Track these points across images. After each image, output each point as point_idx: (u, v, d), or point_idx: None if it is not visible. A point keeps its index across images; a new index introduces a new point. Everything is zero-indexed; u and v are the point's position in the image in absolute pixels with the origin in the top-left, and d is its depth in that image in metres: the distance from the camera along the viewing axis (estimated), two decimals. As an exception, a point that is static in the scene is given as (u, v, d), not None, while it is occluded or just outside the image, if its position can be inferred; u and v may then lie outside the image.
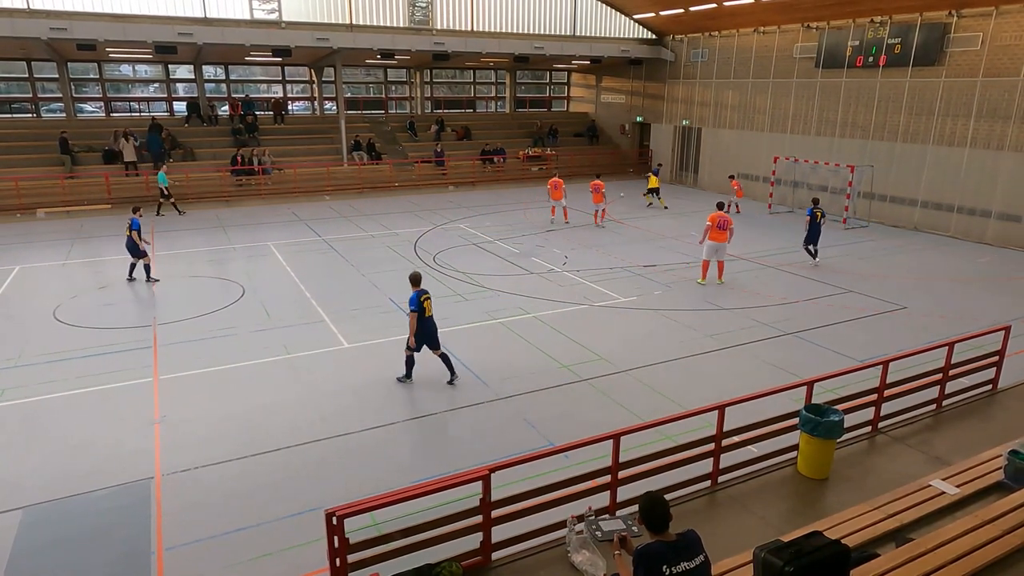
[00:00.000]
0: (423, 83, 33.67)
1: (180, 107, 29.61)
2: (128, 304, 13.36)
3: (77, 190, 23.07)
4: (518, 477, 5.96)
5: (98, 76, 28.37)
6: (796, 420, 6.45)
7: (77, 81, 28.31)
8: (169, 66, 29.34)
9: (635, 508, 4.61)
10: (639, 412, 8.66)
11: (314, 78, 31.58)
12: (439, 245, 18.12)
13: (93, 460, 7.63)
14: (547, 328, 11.88)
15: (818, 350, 10.97)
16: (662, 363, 10.42)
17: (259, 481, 7.26)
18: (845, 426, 6.53)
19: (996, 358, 8.36)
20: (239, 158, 25.64)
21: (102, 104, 28.91)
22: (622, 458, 5.74)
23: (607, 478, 5.73)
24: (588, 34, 29.82)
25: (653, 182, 24.39)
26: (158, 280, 14.63)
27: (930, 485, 5.99)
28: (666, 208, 23.80)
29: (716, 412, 6.25)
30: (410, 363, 9.60)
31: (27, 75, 27.07)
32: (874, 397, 7.32)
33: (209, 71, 30.13)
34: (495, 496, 5.20)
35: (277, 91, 32.04)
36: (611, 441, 5.66)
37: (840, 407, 6.63)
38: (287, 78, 32.00)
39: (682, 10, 26.14)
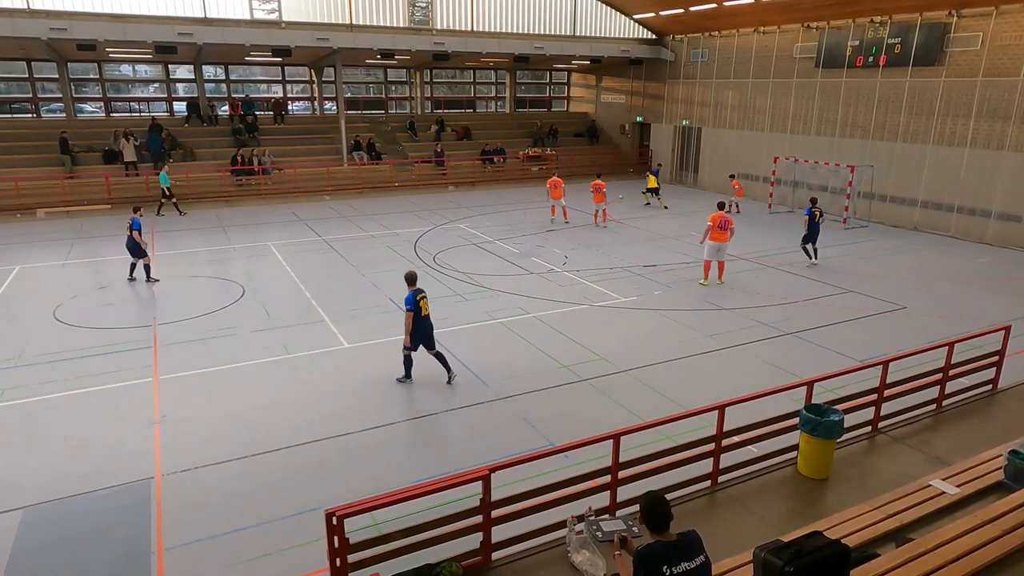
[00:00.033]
0: (423, 83, 33.68)
1: (180, 107, 29.61)
2: (128, 304, 13.36)
3: (77, 190, 23.07)
4: (518, 477, 5.96)
5: (98, 76, 28.37)
6: (796, 420, 6.45)
7: (77, 81, 28.31)
8: (169, 66, 29.34)
9: (635, 508, 4.62)
10: (639, 412, 8.66)
11: (314, 78, 31.58)
12: (439, 245, 18.12)
13: (93, 460, 7.63)
14: (547, 328, 11.88)
15: (818, 350, 10.97)
16: (662, 363, 10.43)
17: (259, 481, 7.26)
18: (845, 426, 6.53)
19: (996, 358, 8.36)
20: (239, 158, 25.64)
21: (102, 104, 28.91)
22: (622, 458, 5.74)
23: (607, 478, 5.73)
24: (588, 34, 29.82)
25: (651, 182, 24.42)
26: (158, 280, 14.63)
27: (930, 485, 5.99)
28: (666, 208, 23.80)
29: (716, 412, 6.25)
30: (408, 363, 9.60)
31: (27, 75, 27.07)
32: (874, 397, 7.32)
33: (209, 71, 30.13)
34: (495, 496, 5.20)
35: (277, 91, 32.04)
36: (611, 441, 5.66)
37: (840, 407, 6.63)
38: (287, 78, 32.01)
39: (682, 10, 26.14)
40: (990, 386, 8.41)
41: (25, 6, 20.76)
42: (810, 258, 16.22)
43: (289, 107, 31.82)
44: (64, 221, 21.27)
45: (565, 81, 38.38)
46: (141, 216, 14.60)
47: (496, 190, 28.03)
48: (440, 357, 9.58)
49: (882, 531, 5.36)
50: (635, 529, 4.08)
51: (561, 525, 5.45)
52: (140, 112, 29.53)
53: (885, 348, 10.59)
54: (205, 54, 25.94)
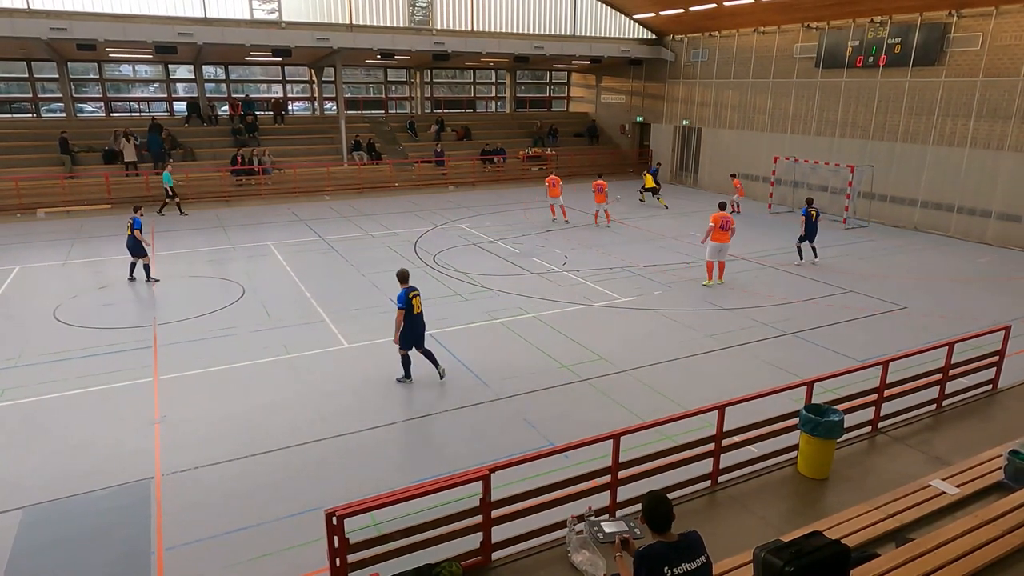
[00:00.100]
0: (423, 83, 33.67)
1: (180, 107, 29.61)
2: (128, 304, 13.36)
3: (77, 190, 23.07)
4: (518, 477, 5.96)
5: (98, 76, 28.37)
6: (796, 420, 6.45)
7: (77, 81, 28.31)
8: (169, 66, 29.34)
9: (635, 508, 4.62)
10: (639, 412, 8.66)
11: (314, 78, 31.58)
12: (439, 245, 18.12)
13: (93, 460, 7.63)
14: (547, 328, 11.88)
15: (818, 350, 10.97)
16: (662, 363, 10.42)
17: (259, 481, 7.25)
18: (845, 426, 6.53)
19: (996, 358, 8.36)
20: (239, 158, 25.64)
21: (102, 104, 28.90)
22: (622, 458, 5.74)
23: (607, 478, 5.73)
24: (588, 34, 29.82)
25: (648, 181, 24.44)
26: (158, 280, 14.63)
27: (930, 485, 5.99)
28: (666, 208, 23.81)
29: (716, 412, 6.25)
30: (407, 363, 9.60)
31: (27, 75, 27.07)
32: (874, 397, 7.32)
33: (209, 71, 30.13)
34: (495, 496, 5.21)
35: (277, 91, 32.04)
36: (611, 441, 5.66)
37: (840, 407, 6.63)
38: (287, 78, 32.00)
39: (682, 10, 26.14)
40: (990, 386, 8.41)
41: (25, 6, 20.76)
42: (801, 257, 16.26)
43: (289, 107, 31.82)
44: (64, 221, 21.27)
45: (565, 81, 38.37)
46: (142, 215, 14.62)
47: (496, 190, 28.04)
48: (428, 354, 9.58)
49: (882, 531, 5.36)
50: (636, 530, 4.07)
51: (561, 525, 5.45)
52: (140, 112, 29.54)
53: (885, 348, 10.59)
54: (205, 54, 25.94)
